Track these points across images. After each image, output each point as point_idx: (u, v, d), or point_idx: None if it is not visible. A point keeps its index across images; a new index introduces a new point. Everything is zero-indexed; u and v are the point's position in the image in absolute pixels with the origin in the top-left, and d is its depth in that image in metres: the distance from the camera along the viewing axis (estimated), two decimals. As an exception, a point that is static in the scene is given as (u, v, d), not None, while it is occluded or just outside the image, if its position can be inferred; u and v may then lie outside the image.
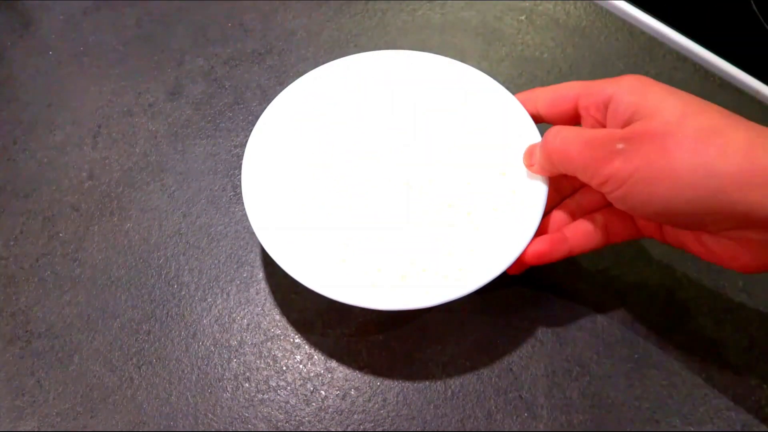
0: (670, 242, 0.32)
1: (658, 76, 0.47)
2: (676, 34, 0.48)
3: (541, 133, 0.35)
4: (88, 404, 0.36)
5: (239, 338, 0.38)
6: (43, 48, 0.51)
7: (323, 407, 0.36)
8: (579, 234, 0.33)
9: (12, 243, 0.42)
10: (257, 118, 0.38)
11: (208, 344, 0.38)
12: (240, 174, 0.44)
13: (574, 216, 0.35)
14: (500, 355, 0.37)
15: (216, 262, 0.40)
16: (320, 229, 0.36)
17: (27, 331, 0.38)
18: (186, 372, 0.37)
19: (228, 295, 0.39)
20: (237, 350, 0.37)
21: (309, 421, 0.35)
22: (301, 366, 0.37)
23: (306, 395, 0.36)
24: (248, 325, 0.38)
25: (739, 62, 0.46)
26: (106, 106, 0.48)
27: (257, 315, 0.39)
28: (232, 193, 0.43)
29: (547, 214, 0.35)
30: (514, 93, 0.37)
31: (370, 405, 0.36)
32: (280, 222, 0.36)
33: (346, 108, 0.40)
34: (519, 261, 0.33)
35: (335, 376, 0.36)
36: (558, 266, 0.39)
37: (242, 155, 0.44)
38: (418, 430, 0.35)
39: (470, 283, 0.32)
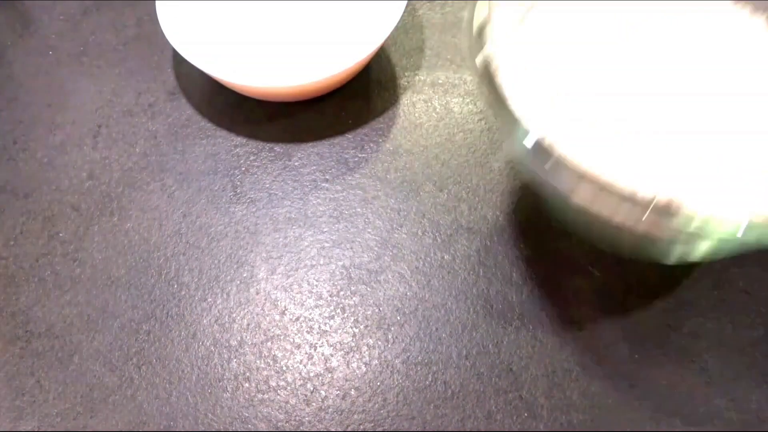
0: None
1: (658, 76, 0.47)
2: (676, 34, 0.48)
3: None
4: (88, 404, 0.36)
5: (239, 338, 0.38)
6: (43, 48, 0.51)
7: (323, 407, 0.36)
8: None
9: (12, 243, 0.42)
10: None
11: (208, 344, 0.38)
12: (240, 174, 0.44)
13: None
14: (500, 355, 0.37)
15: (216, 262, 0.40)
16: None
17: (27, 331, 0.38)
18: (186, 372, 0.37)
19: (228, 295, 0.39)
20: (237, 350, 0.37)
21: (309, 421, 0.35)
22: (301, 366, 0.37)
23: (306, 395, 0.36)
24: (248, 325, 0.38)
25: (739, 62, 0.46)
26: (106, 105, 0.48)
27: (257, 315, 0.39)
28: (232, 193, 0.43)
29: None
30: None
31: (370, 405, 0.36)
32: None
33: None
34: None
35: (335, 376, 0.36)
36: (559, 265, 0.39)
37: (242, 155, 0.45)
38: (418, 430, 0.35)
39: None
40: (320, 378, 0.36)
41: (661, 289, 0.38)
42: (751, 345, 0.37)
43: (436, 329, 0.38)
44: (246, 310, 0.39)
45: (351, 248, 0.41)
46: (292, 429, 0.35)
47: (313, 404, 0.36)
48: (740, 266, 0.39)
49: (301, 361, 0.37)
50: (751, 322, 0.37)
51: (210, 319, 0.38)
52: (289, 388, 0.36)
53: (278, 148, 0.45)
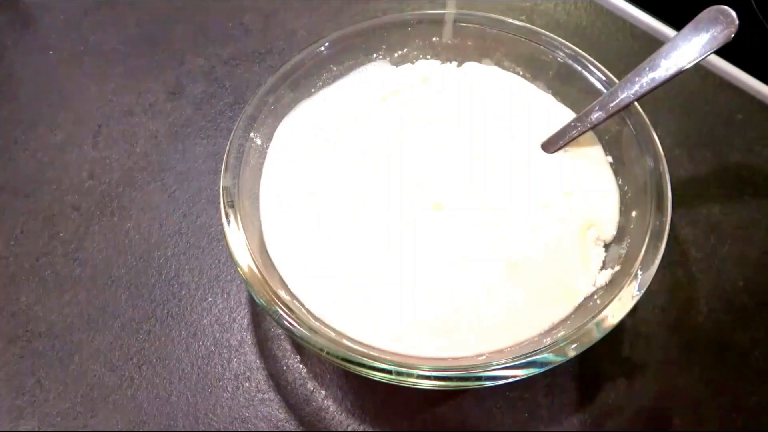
0: None
1: (659, 76, 0.47)
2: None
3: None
4: (89, 404, 0.36)
5: (239, 338, 0.38)
6: (43, 48, 0.51)
7: (323, 407, 0.36)
8: None
9: (12, 243, 0.42)
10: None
11: (208, 344, 0.38)
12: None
13: None
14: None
15: (216, 261, 0.40)
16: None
17: (27, 331, 0.38)
18: (186, 372, 0.37)
19: (228, 294, 0.39)
20: (237, 350, 0.37)
21: (309, 421, 0.35)
22: (301, 366, 0.37)
23: (306, 395, 0.36)
24: (249, 324, 0.38)
25: (739, 62, 0.46)
26: (106, 105, 0.48)
27: (257, 314, 0.39)
28: (233, 193, 0.43)
29: None
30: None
31: (370, 405, 0.36)
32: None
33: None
34: None
35: (335, 377, 0.36)
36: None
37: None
38: (418, 430, 0.35)
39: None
40: (320, 378, 0.36)
41: (661, 289, 0.38)
42: (751, 345, 0.37)
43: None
44: (246, 310, 0.39)
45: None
46: (292, 429, 0.35)
47: (313, 404, 0.36)
48: (740, 266, 0.39)
49: (301, 360, 0.37)
50: (751, 322, 0.37)
51: (210, 319, 0.38)
52: (289, 387, 0.36)
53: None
